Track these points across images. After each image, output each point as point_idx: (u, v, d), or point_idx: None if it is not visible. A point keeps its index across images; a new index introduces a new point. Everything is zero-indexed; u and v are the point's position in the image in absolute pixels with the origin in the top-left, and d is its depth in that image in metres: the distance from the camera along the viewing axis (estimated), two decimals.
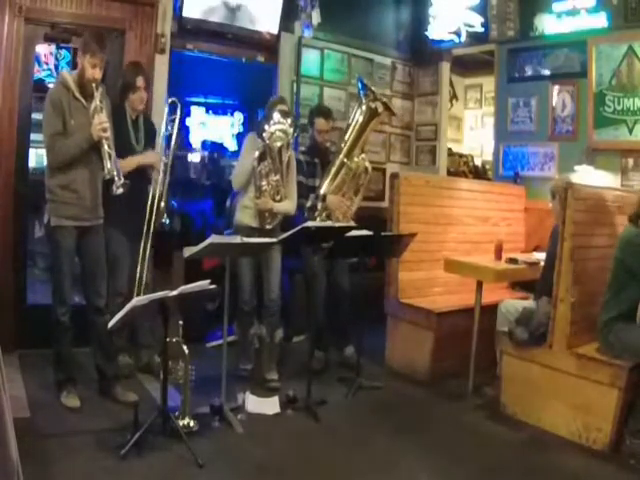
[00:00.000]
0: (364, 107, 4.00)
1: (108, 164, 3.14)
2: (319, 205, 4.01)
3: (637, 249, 3.13)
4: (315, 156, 4.18)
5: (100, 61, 3.19)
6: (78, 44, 3.40)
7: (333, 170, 4.04)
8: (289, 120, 3.62)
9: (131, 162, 3.57)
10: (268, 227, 3.76)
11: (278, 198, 3.77)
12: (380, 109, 3.98)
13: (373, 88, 4.06)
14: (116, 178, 3.15)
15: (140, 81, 3.69)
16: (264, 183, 3.71)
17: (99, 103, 3.19)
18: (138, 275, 3.60)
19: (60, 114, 3.15)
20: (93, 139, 3.14)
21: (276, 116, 3.59)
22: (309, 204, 4.05)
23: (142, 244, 3.63)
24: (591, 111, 4.79)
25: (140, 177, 3.64)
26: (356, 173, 4.05)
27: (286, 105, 3.90)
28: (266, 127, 3.59)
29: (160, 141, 3.81)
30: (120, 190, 3.17)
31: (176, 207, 4.73)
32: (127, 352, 3.83)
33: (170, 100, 3.80)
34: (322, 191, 4.01)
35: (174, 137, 3.76)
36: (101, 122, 3.14)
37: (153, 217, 3.64)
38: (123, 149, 3.54)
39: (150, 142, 3.78)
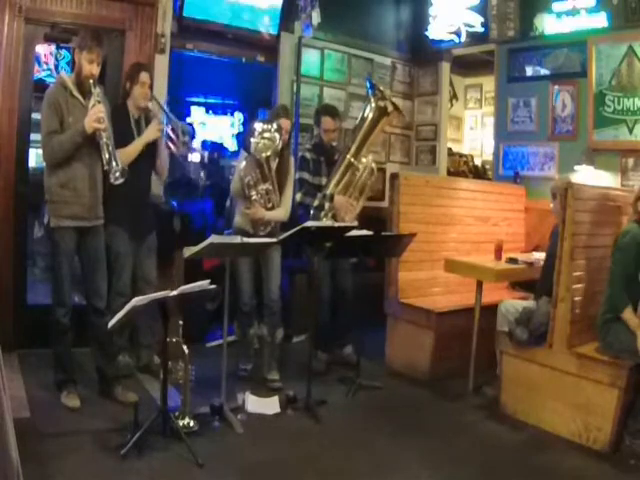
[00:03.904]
0: (373, 107, 3.96)
1: (106, 155, 3.11)
2: (326, 205, 3.98)
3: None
4: (321, 154, 4.18)
5: (97, 56, 3.18)
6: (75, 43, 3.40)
7: (340, 170, 4.00)
8: (274, 125, 3.57)
9: (136, 146, 3.49)
10: (262, 234, 3.71)
11: (270, 206, 3.71)
12: (389, 108, 3.95)
13: (382, 87, 4.06)
14: (114, 163, 3.09)
15: (144, 76, 3.60)
16: (253, 193, 3.66)
17: (97, 98, 3.16)
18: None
19: (57, 113, 3.14)
20: (87, 132, 3.10)
21: (258, 126, 3.55)
22: (316, 203, 4.02)
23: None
24: (591, 111, 4.79)
25: (144, 175, 3.63)
26: (363, 173, 4.04)
27: (286, 112, 3.87)
28: (251, 140, 3.56)
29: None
30: (119, 179, 3.11)
31: (176, 207, 4.73)
32: (127, 352, 3.81)
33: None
34: (329, 191, 3.99)
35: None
36: (96, 113, 3.09)
37: None
38: None
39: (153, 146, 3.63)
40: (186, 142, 3.41)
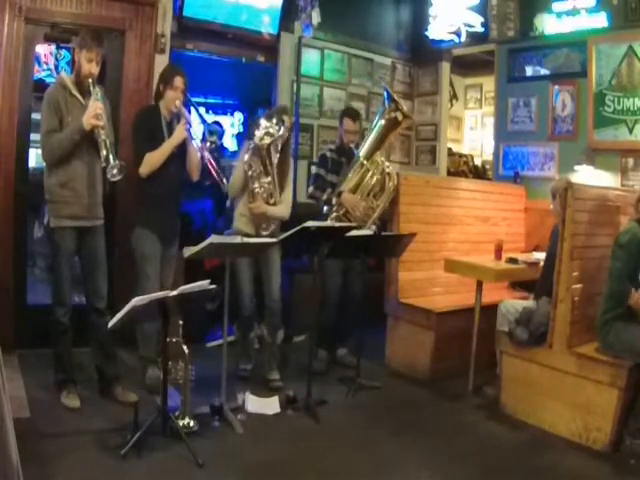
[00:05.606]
0: (385, 120, 4.08)
1: (104, 151, 3.09)
2: (334, 200, 4.07)
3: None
4: (342, 155, 4.26)
5: (96, 55, 3.18)
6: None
7: (352, 169, 4.10)
8: (274, 120, 3.61)
9: (164, 149, 3.46)
10: (264, 233, 3.71)
11: (272, 202, 3.72)
12: (400, 118, 4.06)
13: (396, 97, 4.14)
14: (111, 158, 3.06)
15: (178, 81, 3.53)
16: (256, 186, 3.67)
17: (96, 97, 3.15)
18: None
19: (56, 112, 3.14)
20: (85, 129, 3.09)
21: (262, 122, 3.60)
22: (325, 197, 4.12)
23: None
24: (591, 111, 4.79)
25: (175, 178, 3.60)
26: (374, 174, 4.07)
27: (285, 113, 3.87)
28: (256, 132, 3.60)
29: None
30: (117, 176, 3.07)
31: None
32: (157, 365, 3.53)
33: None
34: (339, 188, 4.08)
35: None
36: (94, 109, 3.08)
37: None
38: None
39: (183, 148, 3.58)
40: (214, 142, 3.39)
